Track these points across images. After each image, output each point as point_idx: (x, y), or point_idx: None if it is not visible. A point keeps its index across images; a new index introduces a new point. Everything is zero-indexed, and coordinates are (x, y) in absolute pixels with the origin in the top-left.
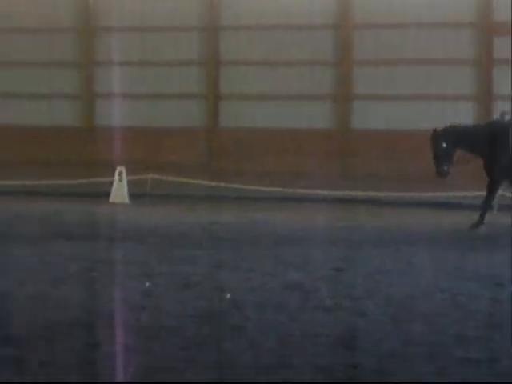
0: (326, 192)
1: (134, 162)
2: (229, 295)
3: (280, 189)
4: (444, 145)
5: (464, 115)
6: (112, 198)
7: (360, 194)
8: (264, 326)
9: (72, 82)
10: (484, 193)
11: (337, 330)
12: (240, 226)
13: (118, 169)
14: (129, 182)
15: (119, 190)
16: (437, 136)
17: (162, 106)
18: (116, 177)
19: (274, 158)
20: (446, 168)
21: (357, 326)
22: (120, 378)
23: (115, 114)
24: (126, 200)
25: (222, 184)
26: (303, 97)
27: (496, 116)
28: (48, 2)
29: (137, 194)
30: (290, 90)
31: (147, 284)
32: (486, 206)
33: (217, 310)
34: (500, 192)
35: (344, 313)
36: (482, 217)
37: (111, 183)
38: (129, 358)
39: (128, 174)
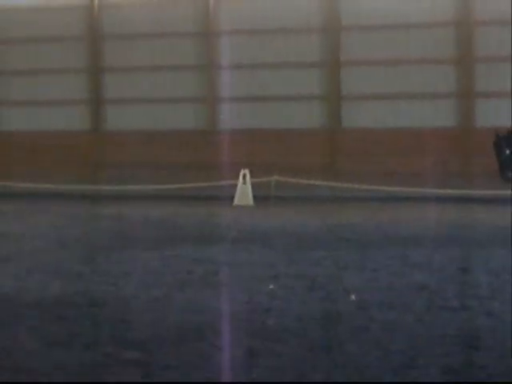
0: (449, 191)
1: (258, 164)
2: (354, 296)
3: (404, 188)
4: (507, 151)
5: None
6: (236, 201)
7: (479, 192)
8: (390, 327)
9: (195, 85)
10: None
11: (464, 330)
12: (365, 226)
13: (242, 171)
14: (253, 185)
15: (244, 193)
16: (499, 142)
17: (283, 108)
18: (240, 179)
19: (398, 157)
20: (510, 174)
21: (483, 326)
22: (244, 380)
23: (239, 117)
24: (251, 202)
25: (346, 185)
26: (426, 95)
27: None
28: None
29: (261, 197)
30: (412, 89)
31: (271, 286)
32: None
33: (342, 312)
34: None
35: (471, 313)
36: None
37: (236, 186)
38: (254, 361)
39: (252, 177)
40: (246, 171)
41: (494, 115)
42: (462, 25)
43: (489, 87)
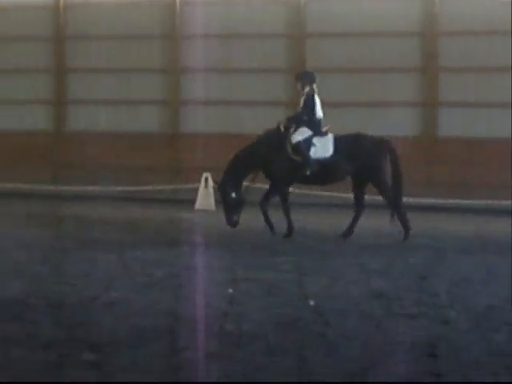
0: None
1: (220, 168)
2: (312, 302)
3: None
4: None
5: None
6: (198, 205)
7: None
8: (347, 334)
9: (160, 88)
10: None
11: (420, 338)
12: (325, 233)
13: (204, 175)
14: (214, 189)
15: (205, 197)
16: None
17: (249, 112)
18: (202, 183)
19: None
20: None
21: (440, 334)
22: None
23: (200, 120)
24: (212, 207)
25: (310, 191)
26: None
27: None
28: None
29: None
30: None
31: (230, 290)
32: None
33: (300, 317)
34: None
35: (428, 321)
36: None
37: (197, 190)
38: (211, 364)
39: (215, 181)
40: (208, 175)
41: (457, 125)
42: (428, 35)
43: (453, 97)
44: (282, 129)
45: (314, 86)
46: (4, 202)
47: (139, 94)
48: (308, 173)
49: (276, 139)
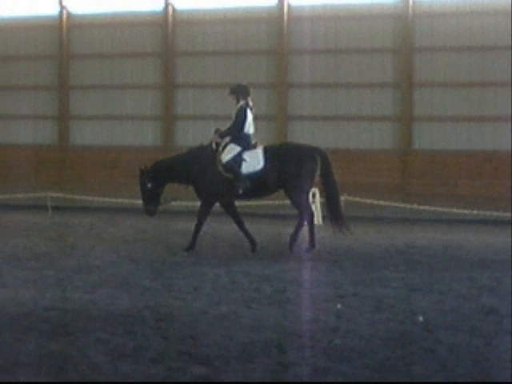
0: None
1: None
2: (421, 318)
3: (474, 212)
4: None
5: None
6: None
7: None
8: (457, 350)
9: (264, 102)
10: None
11: None
12: (434, 248)
13: (312, 190)
14: (322, 204)
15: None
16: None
17: (355, 128)
18: (310, 198)
19: (468, 180)
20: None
21: None
22: None
23: (308, 136)
24: (320, 221)
25: (416, 206)
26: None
27: None
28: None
29: None
30: (483, 112)
31: (339, 306)
32: None
33: (409, 333)
34: None
35: None
36: None
37: None
38: (319, 380)
39: (321, 196)
40: (316, 190)
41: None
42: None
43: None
44: (214, 146)
45: (249, 99)
46: (118, 217)
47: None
48: (241, 191)
49: (208, 156)
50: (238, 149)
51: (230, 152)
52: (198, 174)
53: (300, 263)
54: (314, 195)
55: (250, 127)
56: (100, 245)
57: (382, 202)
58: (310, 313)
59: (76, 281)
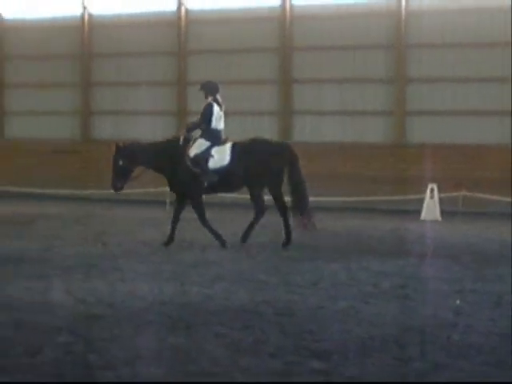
0: None
1: (446, 179)
2: None
3: None
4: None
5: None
6: (424, 215)
7: None
8: None
9: (383, 98)
10: None
11: None
12: None
13: (430, 186)
14: (441, 199)
15: (431, 207)
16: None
17: (475, 123)
18: (428, 194)
19: None
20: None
21: None
22: None
23: (427, 131)
24: (438, 217)
25: None
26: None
27: None
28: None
29: (449, 212)
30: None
31: (458, 301)
32: None
33: None
34: None
35: None
36: None
37: (422, 200)
38: (439, 376)
39: (440, 191)
40: (434, 185)
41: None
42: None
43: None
44: (181, 141)
45: (218, 96)
46: (234, 211)
47: (364, 104)
48: (205, 184)
49: (176, 149)
50: (206, 144)
51: (198, 147)
52: (167, 165)
53: (418, 259)
54: (432, 190)
55: (218, 122)
56: (217, 240)
57: (502, 198)
58: (428, 308)
59: (194, 275)
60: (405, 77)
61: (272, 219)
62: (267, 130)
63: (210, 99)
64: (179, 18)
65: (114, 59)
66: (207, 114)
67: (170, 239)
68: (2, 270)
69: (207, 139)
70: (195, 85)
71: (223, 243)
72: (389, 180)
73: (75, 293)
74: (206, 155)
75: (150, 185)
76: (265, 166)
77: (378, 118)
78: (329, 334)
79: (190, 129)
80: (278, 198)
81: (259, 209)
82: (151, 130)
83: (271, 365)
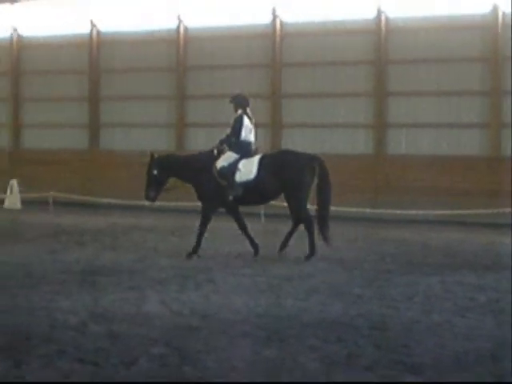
0: None
1: None
2: None
3: None
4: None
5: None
6: None
7: None
8: None
9: (479, 110)
10: None
11: None
12: None
13: None
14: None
15: None
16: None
17: None
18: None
19: None
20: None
21: None
22: None
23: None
24: None
25: None
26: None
27: None
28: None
29: None
30: None
31: None
32: None
33: None
34: None
35: None
36: None
37: None
38: None
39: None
40: None
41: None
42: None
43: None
44: (216, 152)
45: (248, 109)
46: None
47: (460, 117)
48: (231, 197)
49: (207, 161)
50: (235, 156)
51: (226, 159)
52: (196, 176)
53: None
54: None
55: (248, 135)
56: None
57: None
58: None
59: (288, 288)
60: (501, 89)
61: (366, 232)
62: (361, 142)
63: (239, 112)
64: (274, 30)
65: (209, 72)
66: (237, 126)
67: (255, 250)
68: (98, 281)
69: (236, 152)
70: (290, 97)
71: (195, 254)
72: (483, 193)
73: (170, 304)
74: (232, 168)
75: None
76: (298, 178)
77: (471, 130)
78: (423, 348)
79: (223, 141)
80: (293, 209)
81: (304, 219)
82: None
83: (365, 378)
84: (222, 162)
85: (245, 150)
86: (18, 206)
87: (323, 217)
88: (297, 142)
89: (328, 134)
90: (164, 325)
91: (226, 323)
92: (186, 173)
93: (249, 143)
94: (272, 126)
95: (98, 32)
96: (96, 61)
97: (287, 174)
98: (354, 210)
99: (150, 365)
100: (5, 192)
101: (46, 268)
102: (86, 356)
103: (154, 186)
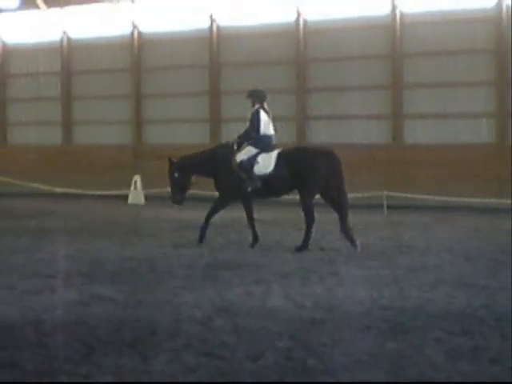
0: None
1: None
2: None
3: None
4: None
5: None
6: None
7: None
8: None
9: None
10: None
11: None
12: None
13: None
14: None
15: None
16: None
17: None
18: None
19: None
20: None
21: None
22: None
23: None
24: None
25: None
26: None
27: None
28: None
29: None
30: None
31: None
32: None
33: None
34: None
35: None
36: None
37: None
38: None
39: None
40: None
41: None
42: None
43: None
44: (236, 146)
45: (265, 104)
46: (451, 215)
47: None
48: (249, 189)
49: (227, 154)
50: (254, 150)
51: (246, 153)
52: (216, 168)
53: None
54: None
55: (266, 129)
56: (435, 243)
57: None
58: None
59: (413, 279)
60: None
61: (488, 222)
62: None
63: (256, 106)
64: (394, 21)
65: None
66: (254, 121)
67: (254, 240)
68: (222, 275)
69: (255, 146)
70: (411, 88)
71: (200, 241)
72: None
73: (294, 298)
74: (251, 161)
75: (366, 189)
76: (306, 173)
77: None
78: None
79: (242, 136)
80: (303, 200)
81: (309, 215)
82: (365, 134)
83: (492, 370)
84: (242, 155)
85: (264, 144)
86: (142, 201)
87: (344, 218)
88: (418, 132)
89: (452, 124)
90: (289, 318)
91: (351, 316)
92: (206, 168)
93: (268, 137)
94: (393, 116)
95: (218, 27)
96: (216, 55)
97: (300, 170)
98: (477, 200)
99: (276, 358)
100: (129, 188)
101: (170, 263)
102: (212, 350)
103: (179, 189)
